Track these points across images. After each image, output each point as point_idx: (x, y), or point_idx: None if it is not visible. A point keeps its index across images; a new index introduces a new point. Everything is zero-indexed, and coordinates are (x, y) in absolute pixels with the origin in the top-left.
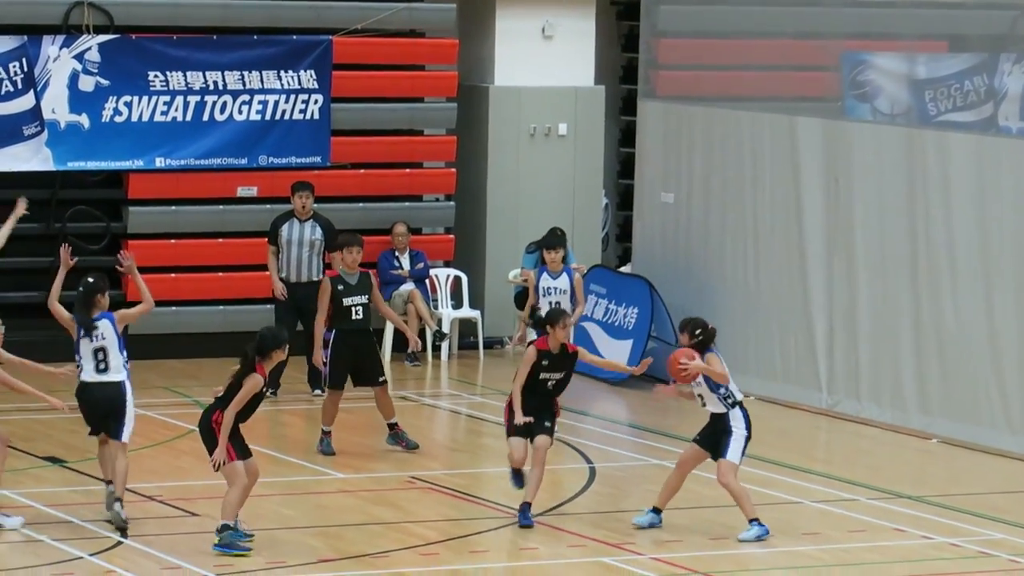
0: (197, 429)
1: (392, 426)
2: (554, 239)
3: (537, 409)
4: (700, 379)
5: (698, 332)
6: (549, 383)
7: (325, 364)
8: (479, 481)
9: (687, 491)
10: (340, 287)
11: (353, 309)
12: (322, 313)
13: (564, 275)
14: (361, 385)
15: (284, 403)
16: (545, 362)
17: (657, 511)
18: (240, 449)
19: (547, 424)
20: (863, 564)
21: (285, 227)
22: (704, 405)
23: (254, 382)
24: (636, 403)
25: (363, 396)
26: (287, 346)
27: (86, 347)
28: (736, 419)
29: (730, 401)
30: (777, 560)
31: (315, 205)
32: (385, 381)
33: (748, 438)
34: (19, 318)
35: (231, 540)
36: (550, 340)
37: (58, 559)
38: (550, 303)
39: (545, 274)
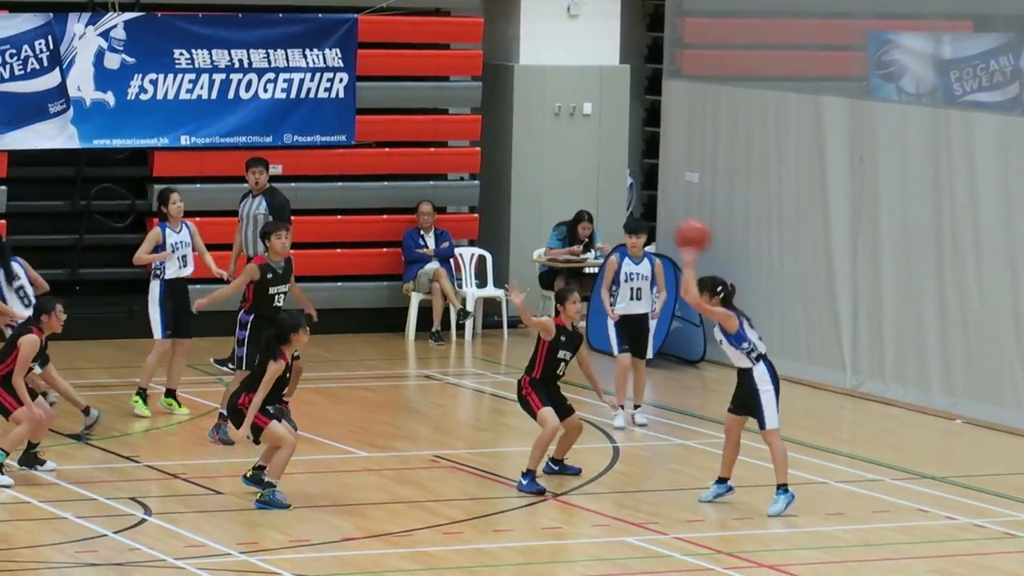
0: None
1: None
2: (636, 223)
3: (554, 393)
4: (722, 336)
5: (719, 290)
6: (562, 364)
7: (241, 345)
8: (503, 460)
9: (712, 471)
10: (269, 275)
11: (276, 297)
12: (233, 289)
13: (646, 261)
14: None
15: (305, 381)
16: (563, 338)
17: (723, 480)
18: (269, 415)
19: (568, 403)
20: (887, 544)
21: (242, 204)
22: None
23: (277, 367)
24: (660, 383)
25: (384, 375)
26: (307, 328)
27: (9, 293)
28: (761, 376)
29: (754, 355)
30: (801, 540)
31: (340, 184)
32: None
33: (777, 392)
34: None
35: (271, 498)
36: (563, 317)
37: (82, 536)
38: (631, 289)
39: (627, 259)
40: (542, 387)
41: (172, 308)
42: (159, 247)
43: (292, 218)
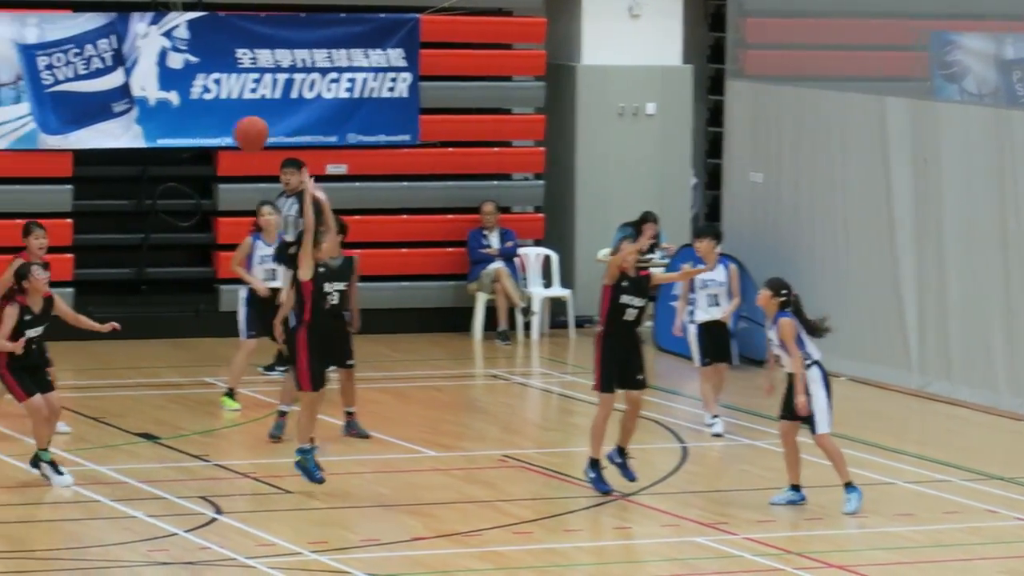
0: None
1: (349, 414)
2: (701, 228)
3: (626, 356)
4: (778, 340)
5: (783, 292)
6: (629, 310)
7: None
8: (571, 460)
9: (781, 471)
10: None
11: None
12: (288, 293)
13: (720, 266)
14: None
15: (372, 381)
16: (625, 283)
17: (796, 488)
18: (317, 379)
19: (639, 377)
20: (957, 545)
21: (278, 204)
22: (782, 365)
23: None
24: (727, 383)
25: (451, 375)
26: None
27: None
28: (813, 381)
29: (807, 362)
30: (871, 540)
31: (404, 184)
32: (353, 365)
33: (829, 397)
34: (108, 295)
35: (307, 463)
36: (627, 265)
37: (153, 535)
38: (708, 296)
39: (701, 266)
40: (612, 346)
41: (260, 310)
42: (250, 257)
43: (357, 218)
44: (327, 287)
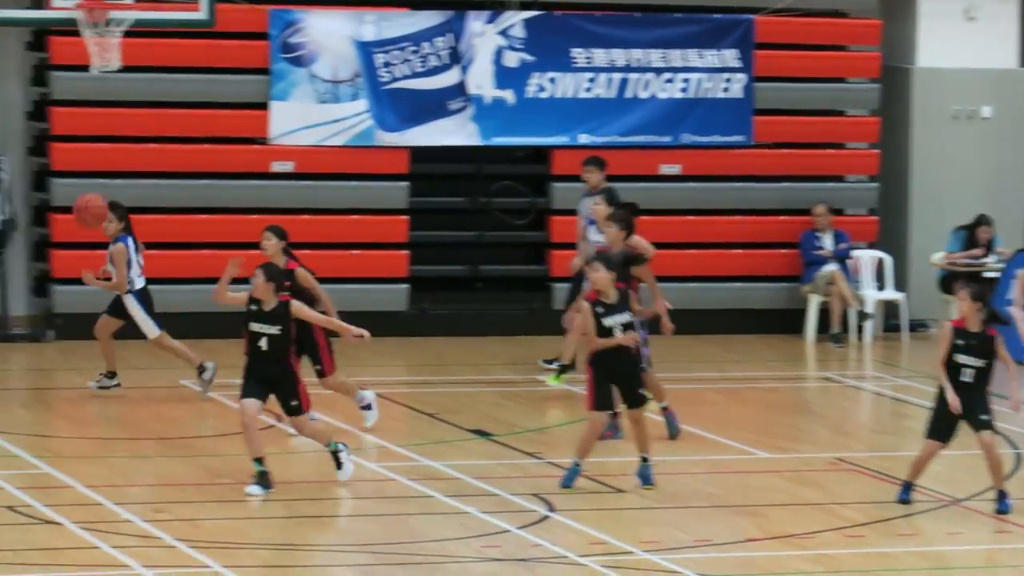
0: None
1: (664, 409)
2: None
3: (966, 401)
4: None
5: None
6: (966, 370)
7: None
8: (904, 464)
9: None
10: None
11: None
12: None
13: None
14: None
15: (706, 381)
16: (960, 341)
17: None
18: (600, 401)
19: (983, 417)
20: None
21: (580, 202)
22: None
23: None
24: None
25: (783, 376)
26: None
27: None
28: None
29: None
30: None
31: (738, 184)
32: (644, 368)
33: None
34: (443, 291)
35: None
36: (964, 314)
37: (485, 531)
38: None
39: None
40: (947, 397)
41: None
42: None
43: (689, 218)
44: (607, 322)
